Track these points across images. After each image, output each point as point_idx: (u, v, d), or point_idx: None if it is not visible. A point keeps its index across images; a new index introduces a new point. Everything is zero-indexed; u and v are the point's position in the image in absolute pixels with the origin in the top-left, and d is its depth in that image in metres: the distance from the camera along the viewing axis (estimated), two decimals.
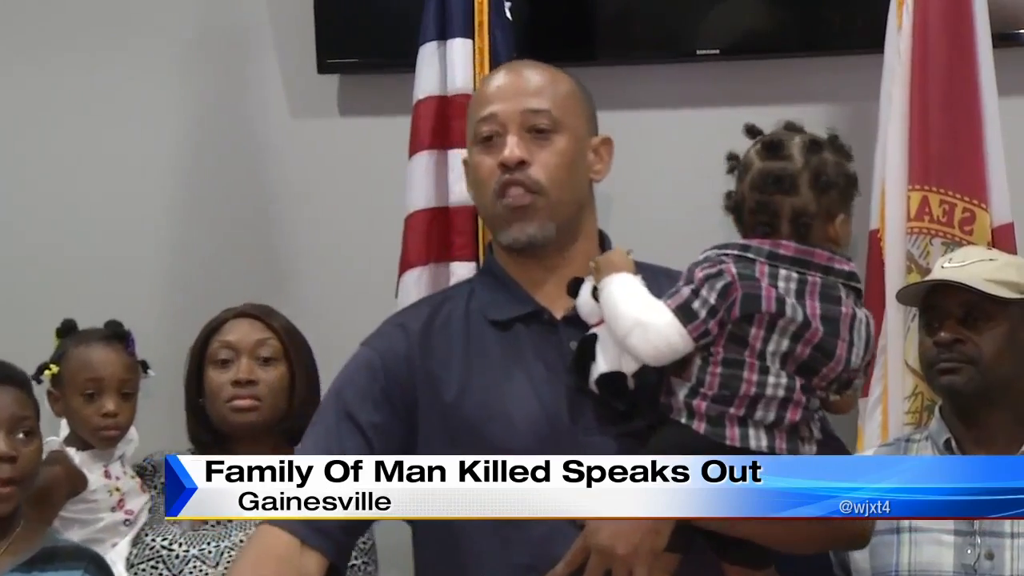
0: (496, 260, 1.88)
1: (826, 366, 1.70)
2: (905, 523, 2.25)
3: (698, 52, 2.99)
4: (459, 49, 2.85)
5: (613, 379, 1.72)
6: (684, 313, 1.69)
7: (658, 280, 1.80)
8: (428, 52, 2.88)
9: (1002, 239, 2.65)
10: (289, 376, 2.48)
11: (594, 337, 1.75)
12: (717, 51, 2.99)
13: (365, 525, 1.82)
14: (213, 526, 2.40)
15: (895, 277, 2.67)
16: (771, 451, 1.67)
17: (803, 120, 2.93)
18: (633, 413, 1.72)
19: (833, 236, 1.73)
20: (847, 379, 1.75)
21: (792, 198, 1.72)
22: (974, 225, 2.65)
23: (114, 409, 2.42)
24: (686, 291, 1.70)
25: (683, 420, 1.70)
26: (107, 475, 2.43)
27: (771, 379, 1.68)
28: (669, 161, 3.10)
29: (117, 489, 2.43)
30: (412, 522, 1.84)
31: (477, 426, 1.74)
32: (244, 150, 3.21)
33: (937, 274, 2.37)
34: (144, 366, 2.51)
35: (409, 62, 2.91)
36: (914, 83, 2.70)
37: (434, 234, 2.86)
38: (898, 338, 2.66)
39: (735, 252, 1.71)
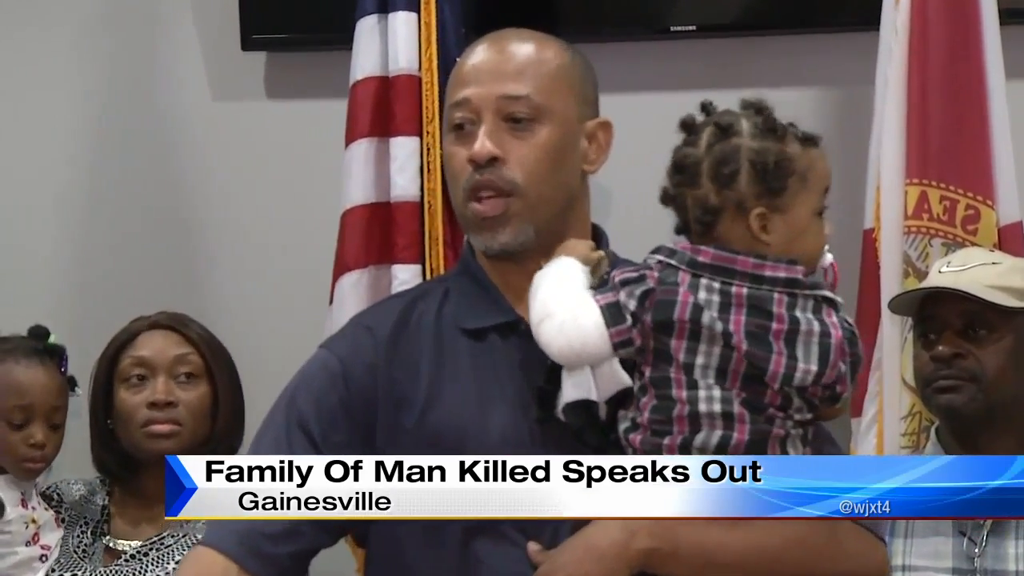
0: (473, 259, 1.87)
1: (766, 384, 1.68)
2: (898, 562, 2.27)
3: (672, 28, 3.00)
4: (402, 23, 2.85)
5: (582, 408, 1.71)
6: (612, 314, 1.69)
7: None
8: (367, 27, 2.89)
9: (1009, 240, 2.67)
10: (211, 396, 2.48)
11: None
12: (693, 27, 3.00)
13: (314, 551, 1.84)
14: (127, 560, 2.41)
15: (891, 282, 2.69)
16: None
17: (790, 105, 3.00)
18: (606, 447, 1.72)
19: (757, 234, 1.70)
20: (830, 395, 1.73)
21: (693, 190, 1.72)
22: (978, 224, 2.67)
23: (42, 440, 2.42)
24: (614, 293, 1.71)
25: None
26: (24, 505, 2.43)
27: (702, 393, 1.67)
28: (639, 150, 3.10)
29: (34, 521, 2.43)
30: (367, 559, 1.86)
31: (441, 446, 1.72)
32: (157, 137, 3.20)
33: (934, 280, 2.38)
34: (72, 383, 2.50)
35: (345, 38, 2.91)
36: (912, 64, 2.72)
37: (374, 233, 2.87)
38: (894, 352, 2.68)
39: (663, 258, 1.72)
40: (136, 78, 3.21)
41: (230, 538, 1.77)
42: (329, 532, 1.81)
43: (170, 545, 2.42)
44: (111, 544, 2.46)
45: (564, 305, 1.69)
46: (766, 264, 1.69)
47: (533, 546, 1.72)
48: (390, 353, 1.80)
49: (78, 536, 2.47)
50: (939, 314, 2.34)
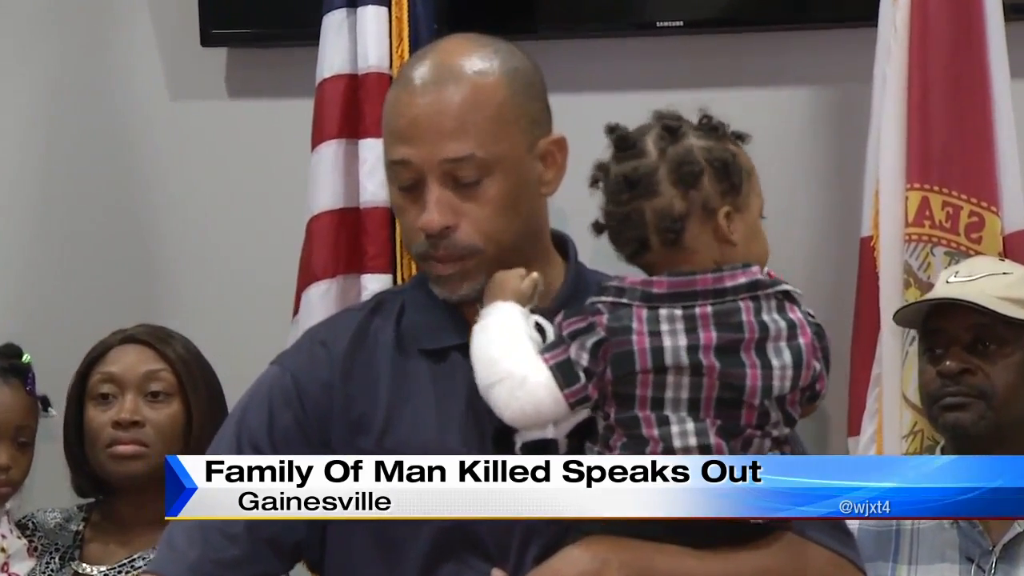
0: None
1: (742, 404, 1.66)
2: None
3: (658, 24, 2.99)
4: (372, 18, 2.84)
5: (541, 447, 1.69)
6: (563, 373, 1.66)
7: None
8: (335, 22, 2.87)
9: (1016, 248, 2.67)
10: (184, 416, 2.46)
11: None
12: (680, 23, 2.99)
13: None
14: None
15: (890, 293, 2.67)
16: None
17: (782, 105, 3.02)
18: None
19: (724, 235, 1.69)
20: (809, 396, 1.73)
21: (652, 201, 1.68)
22: (982, 231, 2.66)
23: (6, 462, 2.41)
24: (566, 347, 1.67)
25: None
26: None
27: (674, 428, 1.65)
28: None
29: (3, 550, 2.43)
30: None
31: None
32: (110, 140, 3.20)
33: (941, 291, 2.38)
34: (44, 403, 2.50)
35: (312, 33, 2.91)
36: (913, 62, 2.71)
37: (343, 241, 2.86)
38: (895, 366, 2.66)
39: (610, 299, 1.68)
40: (88, 76, 3.21)
41: (180, 566, 1.77)
42: (283, 558, 1.80)
43: (140, 568, 2.40)
44: (79, 569, 2.46)
45: (511, 369, 1.66)
46: (724, 275, 1.67)
47: (497, 573, 1.70)
48: (346, 370, 1.79)
49: (46, 563, 2.47)
50: (946, 327, 2.34)
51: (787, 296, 1.71)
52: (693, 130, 1.72)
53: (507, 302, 1.72)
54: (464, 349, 1.76)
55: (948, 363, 2.30)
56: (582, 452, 1.69)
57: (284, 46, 3.09)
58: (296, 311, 2.88)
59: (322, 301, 2.84)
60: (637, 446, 1.66)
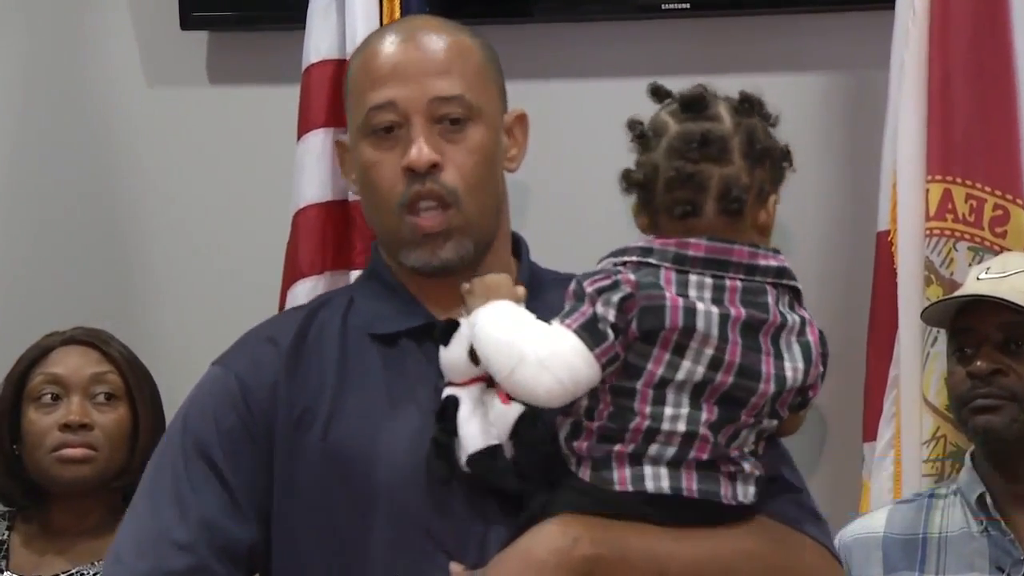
0: (384, 263, 1.87)
1: (755, 393, 1.68)
2: None
3: (664, 7, 2.98)
4: (360, 6, 2.82)
5: (490, 456, 1.69)
6: (591, 333, 1.65)
7: None
8: (322, 4, 2.84)
9: None
10: (131, 419, 2.47)
11: (456, 402, 1.72)
12: (687, 5, 2.97)
13: None
14: None
15: (910, 290, 2.65)
16: (676, 492, 1.65)
17: (795, 92, 2.97)
18: (528, 490, 1.70)
19: (764, 222, 1.72)
20: (800, 401, 1.74)
21: (723, 168, 1.68)
22: (1007, 225, 2.63)
23: None
24: (586, 308, 1.66)
25: (572, 468, 1.69)
26: None
27: (668, 411, 1.66)
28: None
29: None
30: None
31: (348, 464, 1.73)
32: (85, 127, 3.17)
33: (971, 288, 2.36)
34: None
35: (297, 16, 2.88)
36: (933, 47, 2.68)
37: (330, 235, 2.84)
38: (914, 368, 2.64)
39: (635, 258, 1.69)
40: (60, 60, 3.18)
41: None
42: (238, 565, 1.78)
43: None
44: None
45: (532, 346, 1.66)
46: (759, 253, 1.69)
47: (455, 567, 1.69)
48: (291, 366, 1.80)
49: None
50: (976, 326, 2.33)
51: (797, 294, 1.72)
52: (758, 109, 1.74)
53: (503, 300, 1.72)
54: (416, 334, 1.79)
55: (978, 363, 2.30)
56: (531, 456, 1.69)
57: (268, 30, 3.08)
58: (281, 310, 2.82)
59: (309, 298, 2.70)
60: (621, 418, 1.66)
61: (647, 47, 3.01)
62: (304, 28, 2.87)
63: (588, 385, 1.65)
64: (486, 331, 1.68)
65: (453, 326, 1.72)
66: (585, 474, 1.67)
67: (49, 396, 2.45)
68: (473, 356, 1.69)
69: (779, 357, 1.68)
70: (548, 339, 1.65)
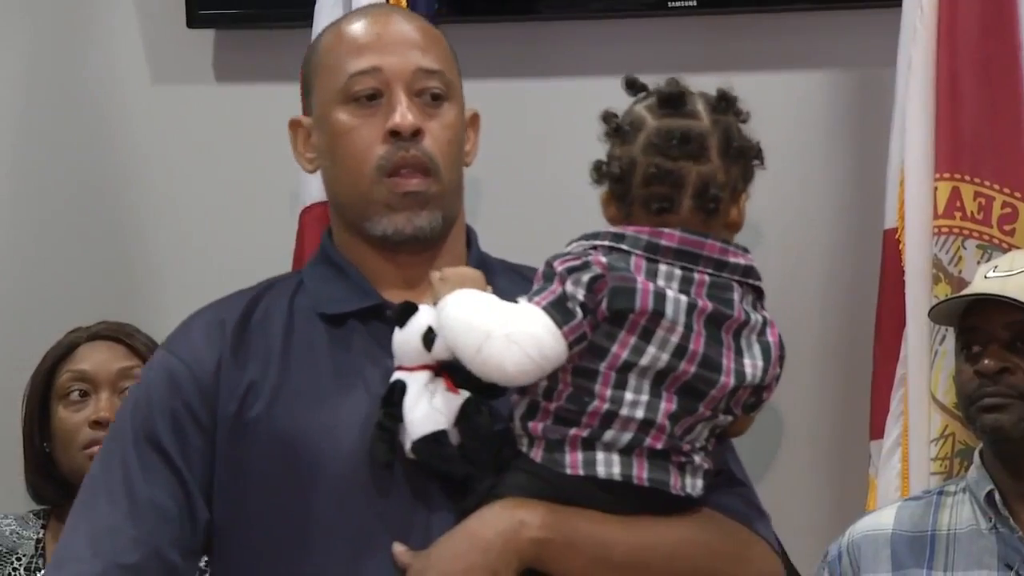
0: (336, 248, 1.87)
1: (715, 386, 1.69)
2: None
3: (671, 4, 2.98)
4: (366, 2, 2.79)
5: (435, 441, 1.69)
6: (559, 311, 1.66)
7: None
8: (329, 2, 2.84)
9: None
10: None
11: (403, 387, 1.72)
12: (694, 2, 2.98)
13: None
14: None
15: (918, 289, 2.65)
16: (627, 479, 1.66)
17: (802, 89, 2.98)
18: (474, 476, 1.70)
19: (735, 220, 1.74)
20: (754, 401, 1.75)
21: (700, 166, 1.70)
22: (1016, 223, 2.63)
23: None
24: (555, 286, 1.68)
25: (524, 449, 1.70)
26: None
27: (628, 395, 1.67)
28: None
29: None
30: None
31: (292, 442, 1.73)
32: (90, 126, 3.17)
33: (979, 286, 2.36)
34: None
35: (305, 14, 2.86)
36: (940, 44, 2.68)
37: None
38: (922, 366, 2.64)
39: (606, 243, 1.70)
40: (66, 57, 3.18)
41: None
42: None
43: None
44: None
45: (501, 320, 1.66)
46: (729, 250, 1.71)
47: (398, 547, 1.69)
48: (236, 345, 1.80)
49: (9, 573, 2.44)
50: (984, 324, 2.32)
51: (760, 294, 1.74)
52: (732, 106, 1.75)
53: (471, 288, 1.73)
54: (364, 315, 1.79)
55: (986, 362, 2.29)
56: (476, 442, 1.69)
57: (275, 28, 3.07)
58: None
59: None
60: (579, 400, 1.67)
61: (654, 45, 3.00)
62: (311, 26, 2.82)
63: (556, 362, 1.65)
64: (452, 313, 1.68)
65: (411, 308, 1.72)
66: (537, 455, 1.68)
67: (77, 393, 2.45)
68: (426, 342, 1.70)
69: (739, 353, 1.69)
70: (515, 316, 1.66)
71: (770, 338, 1.72)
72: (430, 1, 2.79)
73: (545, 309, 1.65)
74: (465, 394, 1.69)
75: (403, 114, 1.77)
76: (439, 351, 1.69)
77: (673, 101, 1.71)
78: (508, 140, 2.96)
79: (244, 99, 3.13)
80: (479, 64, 3.07)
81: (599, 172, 1.73)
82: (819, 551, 2.46)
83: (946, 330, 2.53)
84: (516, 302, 1.68)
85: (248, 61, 3.11)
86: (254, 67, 3.11)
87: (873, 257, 2.77)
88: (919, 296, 2.62)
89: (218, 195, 3.13)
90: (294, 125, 1.90)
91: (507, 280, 1.79)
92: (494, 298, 1.70)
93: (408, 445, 1.69)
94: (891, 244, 2.71)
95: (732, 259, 1.70)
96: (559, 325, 1.64)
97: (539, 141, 3.05)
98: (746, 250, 1.72)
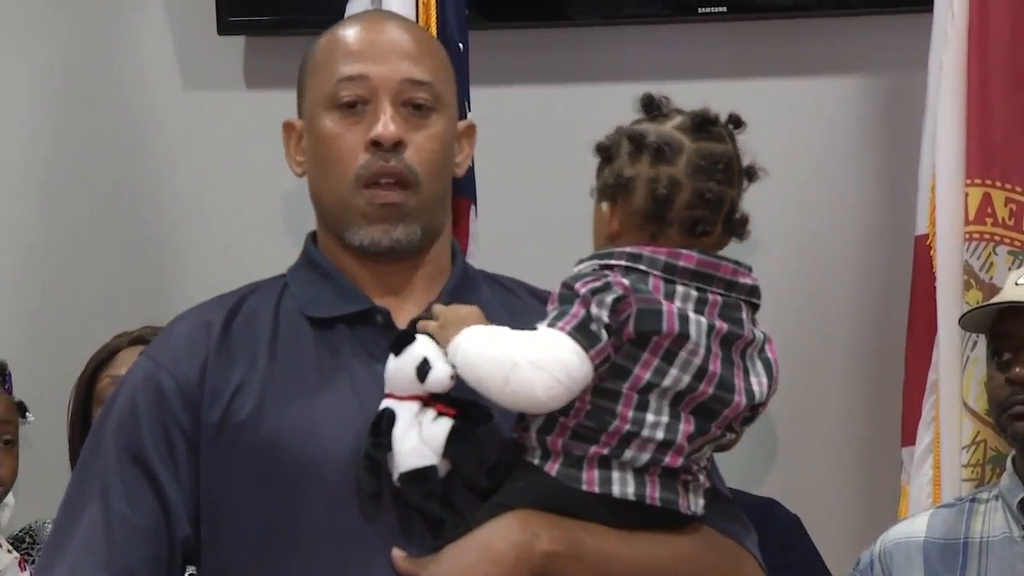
0: (320, 252, 1.86)
1: (728, 406, 1.70)
2: None
3: (700, 10, 3.00)
4: (398, 5, 2.80)
5: (421, 477, 1.68)
6: (583, 334, 1.65)
7: None
8: (358, 8, 2.82)
9: None
10: None
11: (392, 416, 1.70)
12: (724, 8, 2.99)
13: None
14: None
15: (949, 295, 2.65)
16: (640, 499, 1.68)
17: (832, 94, 2.98)
18: (449, 519, 1.68)
19: (725, 242, 1.76)
20: (750, 416, 1.75)
21: (732, 190, 1.73)
22: None
23: None
24: (577, 309, 1.66)
25: (536, 461, 1.69)
26: None
27: (650, 417, 1.68)
28: None
29: None
30: None
31: (279, 444, 1.71)
32: (122, 132, 3.18)
33: (1009, 293, 2.35)
34: (22, 409, 2.50)
35: (333, 20, 2.83)
36: (971, 49, 2.68)
37: None
38: (953, 372, 2.64)
39: (623, 263, 1.69)
40: (99, 64, 3.19)
41: None
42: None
43: None
44: None
45: (522, 349, 1.66)
46: (739, 270, 1.73)
47: (398, 553, 1.68)
48: (221, 348, 1.78)
49: None
50: (1016, 331, 2.31)
51: (756, 310, 1.75)
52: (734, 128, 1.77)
53: (477, 325, 1.71)
54: (352, 320, 1.77)
55: (1018, 369, 2.28)
56: (469, 475, 1.69)
57: (305, 34, 3.00)
58: None
59: None
60: (600, 420, 1.67)
61: (683, 50, 3.03)
62: None
63: (583, 384, 1.65)
64: (470, 350, 1.67)
65: (408, 337, 1.71)
66: (552, 468, 1.68)
67: None
68: (420, 373, 1.68)
69: (747, 372, 1.71)
70: (537, 342, 1.65)
71: (770, 355, 1.74)
72: (460, 8, 2.79)
73: (570, 334, 1.65)
74: (448, 421, 1.68)
75: (385, 124, 1.76)
76: (432, 384, 1.68)
77: (707, 122, 1.72)
78: (537, 144, 2.97)
79: (274, 105, 3.06)
80: (509, 69, 3.10)
81: (625, 190, 1.71)
82: (851, 559, 2.45)
83: (977, 336, 2.51)
84: (535, 328, 1.67)
85: (278, 67, 3.03)
86: (284, 73, 3.05)
87: (904, 263, 2.77)
88: (950, 302, 2.62)
89: (249, 199, 3.14)
90: (287, 127, 1.89)
91: (490, 291, 1.80)
92: (506, 329, 1.69)
93: (395, 476, 1.68)
94: (922, 250, 2.71)
95: (741, 280, 1.71)
96: (586, 349, 1.64)
97: (569, 145, 3.06)
98: (750, 269, 1.73)
